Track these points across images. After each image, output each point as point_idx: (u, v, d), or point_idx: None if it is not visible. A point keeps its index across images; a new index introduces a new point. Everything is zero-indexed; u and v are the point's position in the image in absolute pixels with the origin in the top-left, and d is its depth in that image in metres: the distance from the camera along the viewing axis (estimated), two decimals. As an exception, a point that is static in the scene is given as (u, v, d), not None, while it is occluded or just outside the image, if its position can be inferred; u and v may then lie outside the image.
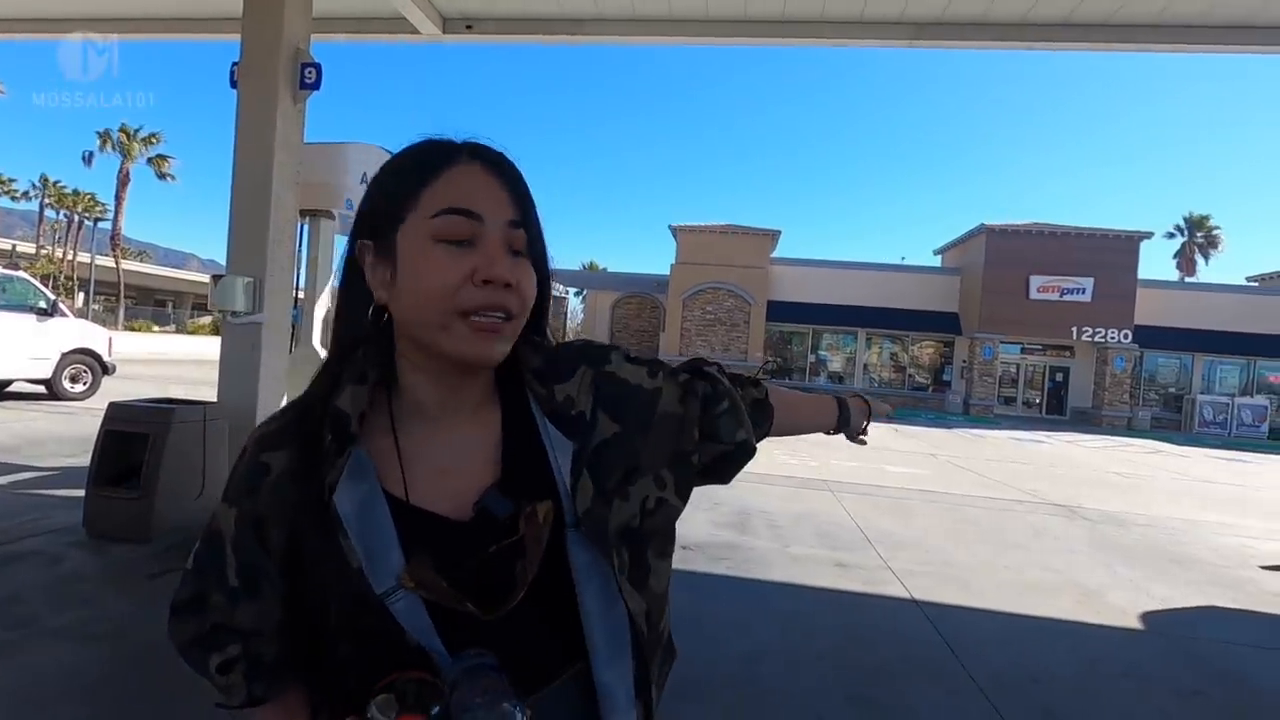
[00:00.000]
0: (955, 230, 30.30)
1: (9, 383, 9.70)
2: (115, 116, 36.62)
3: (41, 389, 9.82)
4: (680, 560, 4.20)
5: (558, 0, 5.33)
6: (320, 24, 5.15)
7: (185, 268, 67.31)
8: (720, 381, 0.78)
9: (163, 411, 4.06)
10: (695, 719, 2.53)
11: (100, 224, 40.80)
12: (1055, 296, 24.03)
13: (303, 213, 5.81)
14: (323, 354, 0.75)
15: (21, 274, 10.29)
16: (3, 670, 2.47)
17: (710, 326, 25.97)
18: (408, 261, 0.60)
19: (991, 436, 16.94)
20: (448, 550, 0.59)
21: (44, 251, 41.56)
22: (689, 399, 0.74)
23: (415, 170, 0.62)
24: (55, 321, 9.66)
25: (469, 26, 5.71)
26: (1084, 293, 23.83)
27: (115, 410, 4.14)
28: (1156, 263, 72.97)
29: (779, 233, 26.24)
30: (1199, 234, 43.30)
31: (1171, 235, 43.46)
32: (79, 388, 10.10)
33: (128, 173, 37.26)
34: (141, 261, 51.25)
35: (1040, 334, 24.72)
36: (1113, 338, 23.74)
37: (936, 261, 30.94)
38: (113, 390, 9.39)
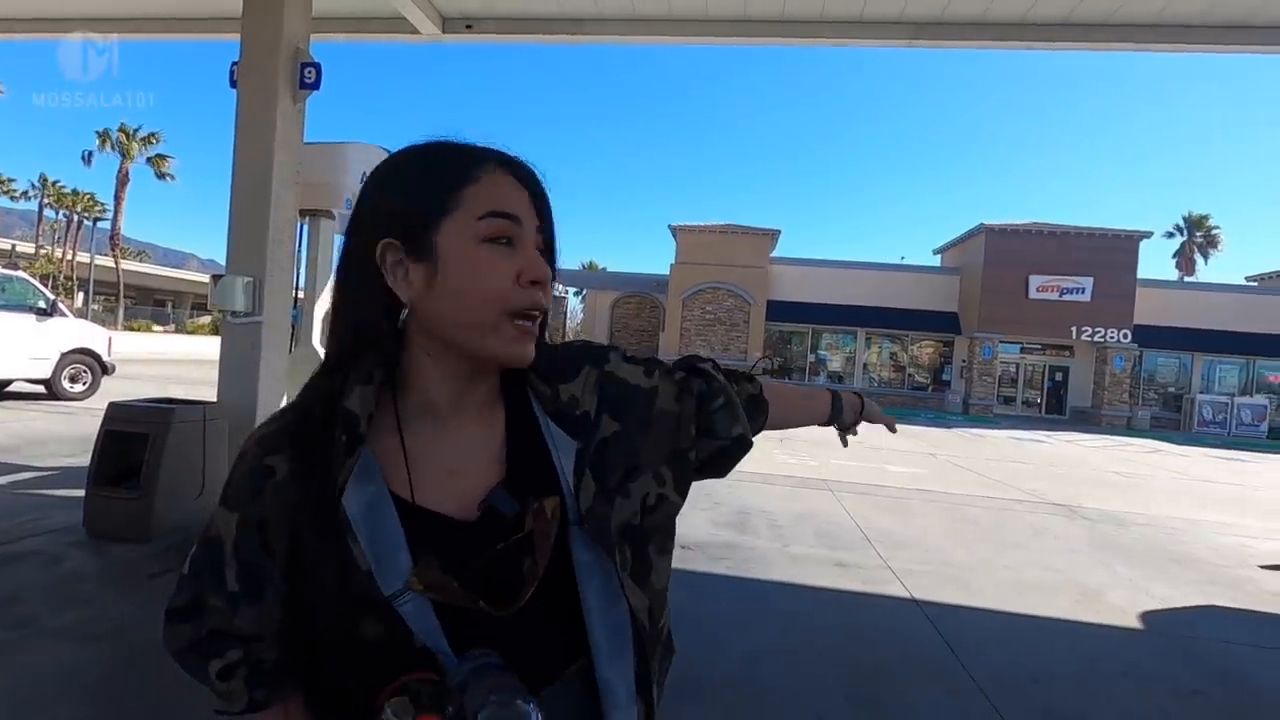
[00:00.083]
0: (955, 230, 30.40)
1: (9, 383, 9.70)
2: (115, 116, 36.66)
3: (41, 389, 9.82)
4: (680, 560, 4.20)
5: (558, 0, 5.34)
6: (320, 24, 5.15)
7: (185, 267, 67.19)
8: (715, 378, 0.79)
9: (162, 411, 4.05)
10: (695, 718, 2.53)
11: (99, 224, 40.81)
12: (1055, 296, 24.07)
13: (302, 212, 5.81)
14: (322, 353, 0.74)
15: (21, 274, 10.28)
16: (3, 670, 2.47)
17: (710, 326, 26.01)
18: (456, 262, 0.60)
19: (991, 436, 16.94)
20: (453, 550, 0.59)
21: (43, 251, 41.56)
22: (685, 396, 0.75)
23: (453, 170, 0.62)
24: (55, 321, 9.65)
25: (469, 26, 5.71)
26: (1083, 292, 23.87)
27: (115, 410, 4.13)
28: (1156, 262, 73.29)
29: (778, 232, 26.29)
30: (1198, 234, 43.35)
31: (1171, 235, 43.56)
32: (78, 388, 10.09)
33: (127, 172, 37.25)
34: (141, 261, 51.22)
35: (1040, 333, 24.75)
36: (1112, 337, 23.77)
37: (936, 261, 30.98)
38: (112, 390, 9.39)
